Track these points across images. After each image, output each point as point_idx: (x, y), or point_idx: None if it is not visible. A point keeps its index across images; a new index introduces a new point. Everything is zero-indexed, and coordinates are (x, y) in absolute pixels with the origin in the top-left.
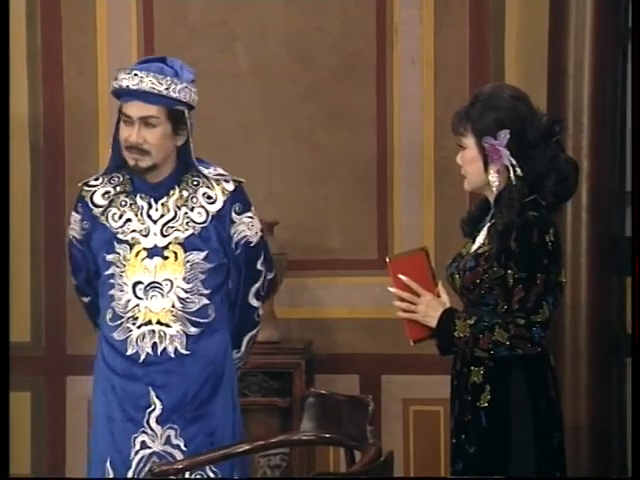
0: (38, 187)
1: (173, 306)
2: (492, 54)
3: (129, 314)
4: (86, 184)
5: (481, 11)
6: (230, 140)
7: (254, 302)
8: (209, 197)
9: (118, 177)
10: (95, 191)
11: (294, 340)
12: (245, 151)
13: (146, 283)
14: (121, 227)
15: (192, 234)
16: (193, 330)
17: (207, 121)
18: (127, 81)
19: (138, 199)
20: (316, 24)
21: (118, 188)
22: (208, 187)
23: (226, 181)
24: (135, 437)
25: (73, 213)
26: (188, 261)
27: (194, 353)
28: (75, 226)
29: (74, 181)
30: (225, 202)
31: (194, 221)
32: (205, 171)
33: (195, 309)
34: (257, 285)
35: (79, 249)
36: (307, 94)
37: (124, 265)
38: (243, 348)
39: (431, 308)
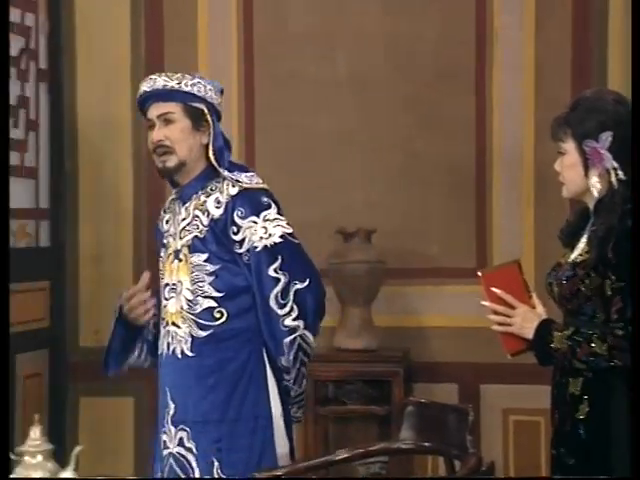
0: (141, 197)
1: (182, 308)
2: (595, 58)
3: (162, 315)
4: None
5: (584, 14)
6: (328, 147)
7: (276, 309)
8: (218, 202)
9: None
10: (169, 198)
11: (392, 348)
12: (343, 159)
13: (170, 285)
14: (166, 231)
15: (196, 236)
16: (200, 333)
17: (306, 129)
18: (144, 87)
19: (176, 205)
20: (415, 31)
21: (175, 195)
22: (220, 192)
23: (233, 186)
24: (161, 436)
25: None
26: (191, 263)
27: (199, 356)
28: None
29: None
30: (227, 206)
31: (202, 224)
32: (227, 174)
33: (200, 311)
34: (275, 291)
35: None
36: (406, 101)
37: (163, 267)
38: (285, 355)
39: (527, 320)
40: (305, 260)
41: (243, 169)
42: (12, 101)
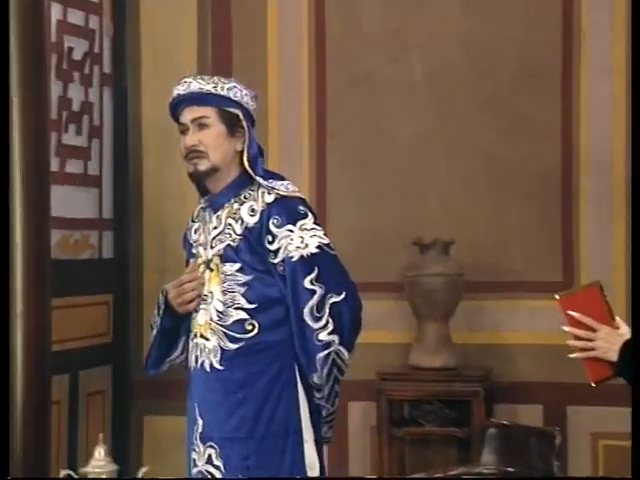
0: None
1: (211, 319)
2: None
3: (191, 327)
4: (199, 202)
5: None
6: (403, 152)
7: (310, 322)
8: (252, 210)
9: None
10: (197, 207)
11: (472, 367)
12: (419, 164)
13: (202, 295)
14: (195, 241)
15: (228, 245)
16: (230, 345)
17: (380, 132)
18: (178, 90)
19: (207, 213)
20: (496, 31)
21: (206, 204)
22: (255, 200)
23: (268, 194)
24: (190, 453)
25: (189, 221)
26: (223, 272)
27: (229, 370)
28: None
29: None
30: (262, 214)
31: (235, 233)
32: (263, 182)
33: (230, 323)
34: (311, 304)
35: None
36: (486, 104)
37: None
38: (319, 372)
39: (611, 342)
40: (342, 272)
41: (278, 177)
42: (75, 107)
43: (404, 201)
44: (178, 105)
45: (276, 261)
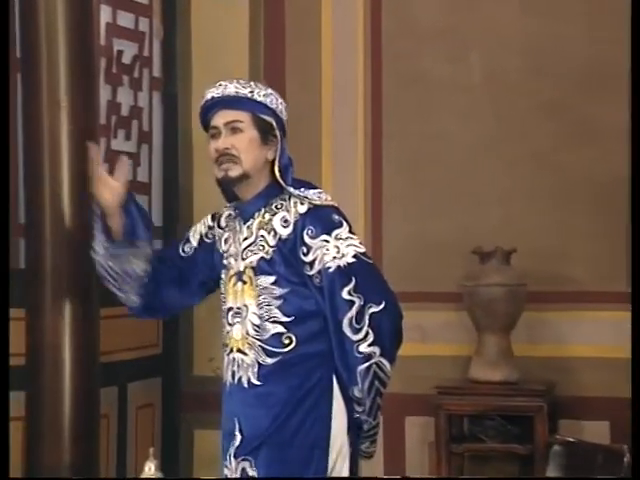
0: None
1: (247, 333)
2: None
3: (225, 341)
4: (225, 206)
5: None
6: (461, 157)
7: (350, 334)
8: (285, 221)
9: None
10: (223, 213)
11: (534, 381)
12: (478, 170)
13: (234, 309)
14: (226, 252)
15: (262, 257)
16: (268, 360)
17: (437, 137)
18: (212, 92)
19: (237, 223)
20: (557, 29)
21: (235, 212)
22: (287, 210)
23: (301, 203)
24: (223, 469)
25: (208, 217)
26: (258, 285)
27: (267, 385)
28: (201, 226)
29: None
30: (295, 225)
31: (268, 244)
32: (294, 191)
33: (267, 337)
34: (349, 315)
35: (178, 245)
36: (548, 107)
37: (224, 290)
38: (359, 385)
39: None
40: (380, 281)
41: (310, 186)
42: (124, 112)
43: (463, 208)
44: (211, 108)
45: (312, 273)
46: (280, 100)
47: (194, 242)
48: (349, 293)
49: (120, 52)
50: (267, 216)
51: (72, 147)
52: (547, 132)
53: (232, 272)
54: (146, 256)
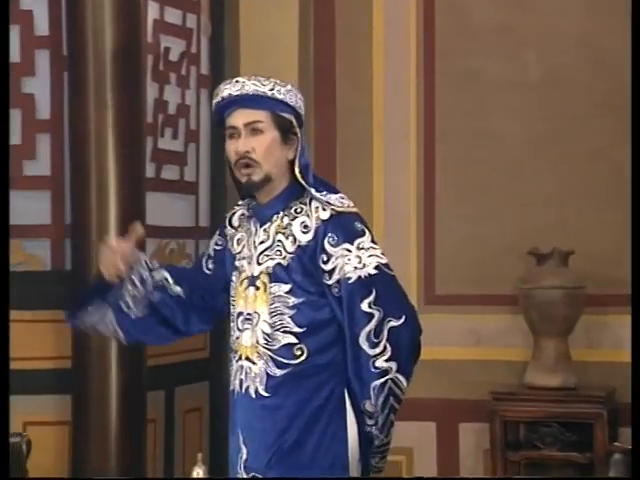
0: None
1: (257, 342)
2: None
3: (233, 347)
4: (237, 204)
5: None
6: (517, 156)
7: (366, 348)
8: (305, 226)
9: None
10: (236, 212)
11: (593, 387)
12: (534, 169)
13: (244, 314)
14: (239, 253)
15: (278, 264)
16: (277, 371)
17: (491, 136)
18: (229, 90)
19: (252, 224)
20: (614, 25)
21: (249, 212)
22: (307, 215)
23: (323, 209)
24: None
25: (218, 231)
26: (271, 293)
27: (275, 397)
28: (213, 241)
29: None
30: (316, 231)
31: (286, 250)
32: (317, 195)
33: (278, 347)
34: (367, 329)
35: (201, 262)
36: (605, 105)
37: (235, 293)
38: (372, 399)
39: None
40: (401, 294)
41: (331, 189)
42: (171, 110)
43: (519, 209)
44: (227, 107)
45: (330, 282)
46: (299, 95)
47: (213, 256)
48: (369, 305)
49: (167, 49)
50: (286, 220)
51: (118, 146)
52: (604, 129)
53: (244, 275)
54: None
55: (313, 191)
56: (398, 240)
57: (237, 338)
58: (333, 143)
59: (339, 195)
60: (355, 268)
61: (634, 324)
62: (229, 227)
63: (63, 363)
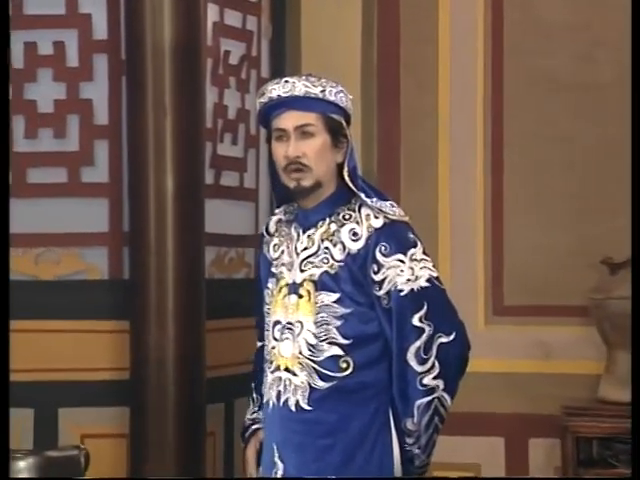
0: None
1: (300, 352)
2: None
3: (268, 357)
4: (273, 213)
5: None
6: (588, 163)
7: (414, 365)
8: (355, 234)
9: (294, 205)
10: (272, 219)
11: None
12: (606, 175)
13: (283, 323)
14: (276, 259)
15: (326, 272)
16: (320, 384)
17: (562, 141)
18: (277, 90)
19: (292, 229)
20: None
21: (287, 216)
22: (357, 222)
23: (375, 217)
24: None
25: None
26: (317, 302)
27: (317, 411)
28: (259, 258)
29: (409, 211)
30: (368, 240)
31: (333, 258)
32: (368, 201)
33: (323, 359)
34: (417, 345)
35: (259, 286)
36: None
37: (271, 301)
38: (416, 418)
39: None
40: (452, 309)
41: (380, 195)
42: (231, 115)
43: (591, 215)
44: (275, 108)
45: (380, 293)
46: (349, 95)
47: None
48: (420, 320)
49: (227, 52)
50: (333, 226)
51: (177, 152)
52: None
53: (283, 283)
54: None
55: (363, 196)
56: (465, 249)
57: (273, 348)
58: (397, 148)
59: (389, 202)
60: (408, 280)
61: (634, 327)
62: (266, 235)
63: (121, 374)
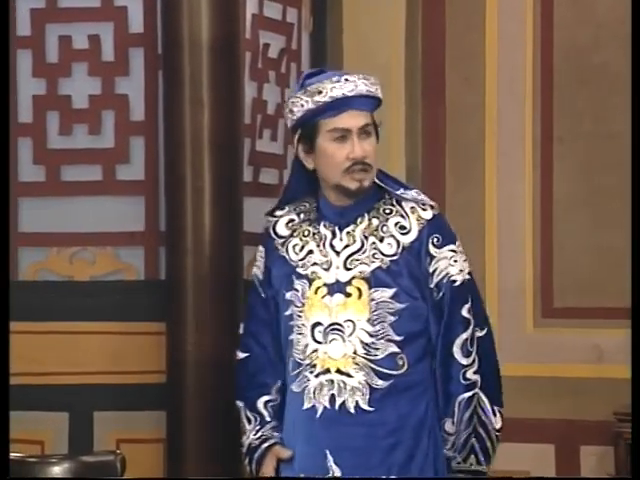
0: None
1: (355, 352)
2: None
3: (307, 361)
4: (271, 214)
5: None
6: None
7: (460, 357)
8: (402, 227)
9: (305, 204)
10: (278, 220)
11: None
12: None
13: (326, 324)
14: (302, 260)
15: (379, 267)
16: (380, 383)
17: (614, 138)
18: (340, 89)
19: (322, 228)
20: None
21: (302, 216)
22: (402, 216)
23: (423, 209)
24: None
25: (259, 247)
26: (373, 299)
27: (379, 411)
28: (259, 263)
29: (456, 210)
30: (420, 232)
31: (383, 253)
32: (403, 194)
33: (381, 357)
34: (464, 337)
35: (259, 292)
36: None
37: (302, 304)
38: (456, 416)
39: None
40: (483, 303)
41: (403, 183)
42: (270, 110)
43: None
44: (337, 107)
45: (432, 285)
46: None
47: (263, 278)
48: (468, 311)
49: (266, 46)
50: (375, 222)
51: (215, 149)
52: None
53: (319, 283)
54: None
55: (401, 191)
56: (513, 249)
57: (315, 351)
58: (442, 144)
59: (415, 190)
60: (460, 271)
61: (634, 326)
62: (276, 238)
63: (158, 378)
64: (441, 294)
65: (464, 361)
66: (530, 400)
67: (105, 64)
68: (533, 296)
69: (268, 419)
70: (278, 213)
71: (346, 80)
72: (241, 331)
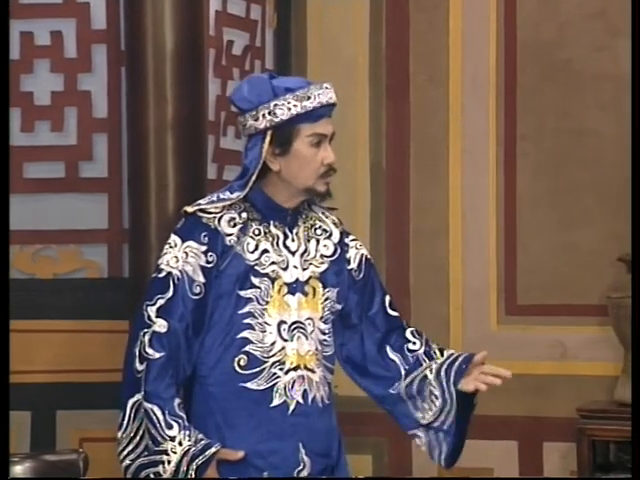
0: (379, 215)
1: (316, 349)
2: None
3: (274, 358)
4: (202, 210)
5: None
6: (607, 157)
7: (393, 313)
8: (325, 230)
9: (239, 205)
10: (220, 217)
11: None
12: (626, 169)
13: (289, 322)
14: (257, 259)
15: (327, 269)
16: (330, 377)
17: (579, 134)
18: (325, 96)
19: (272, 228)
20: None
21: (243, 215)
22: (319, 220)
23: (328, 211)
24: None
25: (191, 242)
26: (327, 298)
27: (332, 404)
28: (191, 259)
29: (420, 208)
30: (341, 234)
31: (324, 255)
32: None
33: (329, 354)
34: (388, 298)
35: (187, 288)
36: None
37: (266, 302)
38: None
39: None
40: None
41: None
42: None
43: (608, 212)
44: (320, 113)
45: (350, 267)
46: None
47: (200, 277)
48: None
49: (230, 42)
50: (308, 224)
51: (179, 146)
52: None
53: (281, 282)
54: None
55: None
56: (477, 247)
57: (283, 348)
58: (407, 142)
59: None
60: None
61: (634, 325)
62: (225, 236)
63: (119, 376)
64: (362, 274)
65: (396, 314)
66: (494, 397)
67: (68, 60)
68: (497, 293)
69: (187, 423)
70: (212, 210)
71: (327, 88)
72: (162, 327)
